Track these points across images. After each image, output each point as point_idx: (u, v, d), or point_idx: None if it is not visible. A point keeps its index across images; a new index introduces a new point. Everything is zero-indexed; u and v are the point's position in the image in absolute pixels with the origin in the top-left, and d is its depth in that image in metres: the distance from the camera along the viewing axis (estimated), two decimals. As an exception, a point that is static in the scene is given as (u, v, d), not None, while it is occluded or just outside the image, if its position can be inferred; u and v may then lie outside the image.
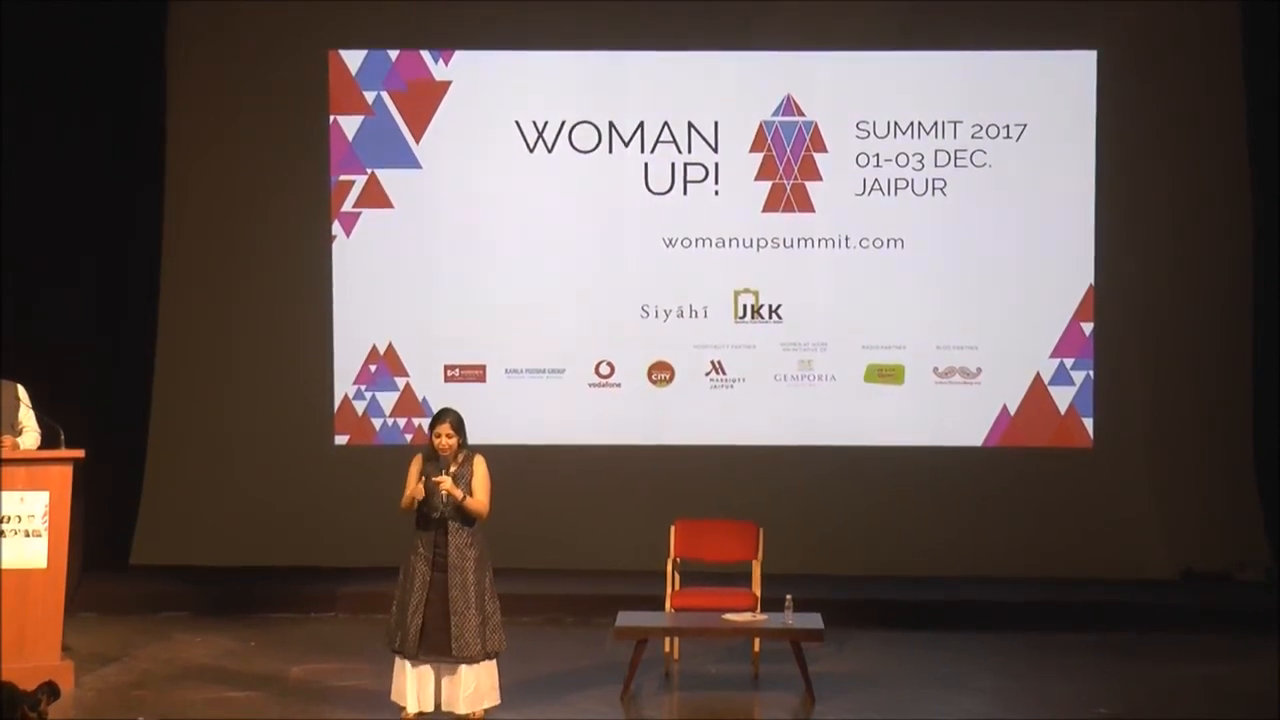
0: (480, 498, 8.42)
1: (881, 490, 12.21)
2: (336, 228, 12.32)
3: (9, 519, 8.97)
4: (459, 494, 8.35)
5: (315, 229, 12.33)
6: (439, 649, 8.36)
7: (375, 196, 12.31)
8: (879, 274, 12.27)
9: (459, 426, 8.46)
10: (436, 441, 8.45)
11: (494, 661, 8.53)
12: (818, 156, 12.26)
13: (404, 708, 8.44)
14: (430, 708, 8.44)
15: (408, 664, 8.43)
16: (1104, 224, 12.16)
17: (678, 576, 9.92)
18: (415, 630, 8.36)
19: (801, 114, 12.26)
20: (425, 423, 11.96)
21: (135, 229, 12.22)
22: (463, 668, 8.39)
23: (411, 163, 12.32)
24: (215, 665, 9.89)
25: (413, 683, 8.43)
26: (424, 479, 8.40)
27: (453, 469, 8.41)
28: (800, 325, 12.31)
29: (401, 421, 12.30)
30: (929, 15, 12.16)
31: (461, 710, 8.41)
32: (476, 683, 8.43)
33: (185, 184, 12.39)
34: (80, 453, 9.17)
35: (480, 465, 8.49)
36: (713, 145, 12.30)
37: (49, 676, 8.32)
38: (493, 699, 8.54)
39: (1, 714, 6.09)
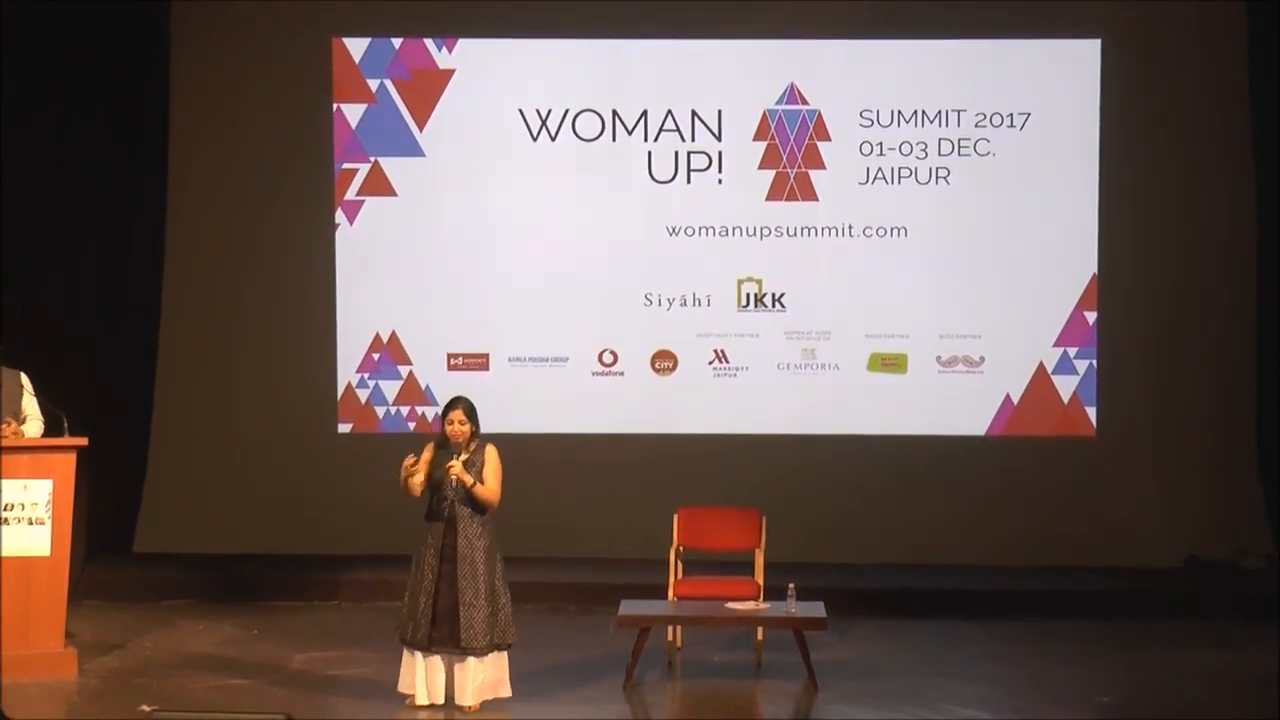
0: (491, 485, 8.42)
1: (884, 479, 12.21)
2: (340, 216, 12.32)
3: (12, 507, 8.98)
4: (468, 479, 8.35)
5: (318, 217, 12.32)
6: (448, 640, 8.36)
7: (378, 184, 12.31)
8: (882, 263, 12.26)
9: (471, 414, 8.47)
10: (448, 428, 8.45)
11: (504, 654, 8.53)
12: (821, 145, 12.25)
13: (411, 697, 8.46)
14: (440, 700, 8.45)
15: (419, 655, 8.43)
16: (1107, 213, 12.14)
17: (680, 565, 9.93)
18: (425, 621, 8.36)
19: (805, 102, 12.25)
20: (428, 411, 12.04)
21: (139, 217, 12.23)
22: (471, 659, 8.39)
23: (415, 151, 12.31)
24: (218, 653, 9.90)
25: (423, 674, 8.43)
26: (430, 466, 8.42)
27: (463, 456, 8.41)
28: (804, 314, 12.31)
29: (404, 410, 12.31)
30: (933, 3, 12.15)
31: (469, 701, 8.41)
32: (485, 674, 8.43)
33: (188, 172, 12.39)
34: (83, 440, 9.18)
35: (492, 454, 8.49)
36: (716, 134, 12.29)
37: (52, 664, 8.30)
38: (503, 691, 8.54)
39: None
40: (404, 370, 12.34)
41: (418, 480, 8.45)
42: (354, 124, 12.29)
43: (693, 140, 12.31)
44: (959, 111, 12.23)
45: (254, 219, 12.39)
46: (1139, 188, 12.16)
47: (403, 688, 8.52)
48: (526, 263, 12.34)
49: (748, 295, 12.32)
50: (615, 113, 12.33)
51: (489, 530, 8.46)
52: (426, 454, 8.53)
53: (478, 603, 8.35)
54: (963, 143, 12.22)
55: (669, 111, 12.30)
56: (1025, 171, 12.21)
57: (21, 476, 9.02)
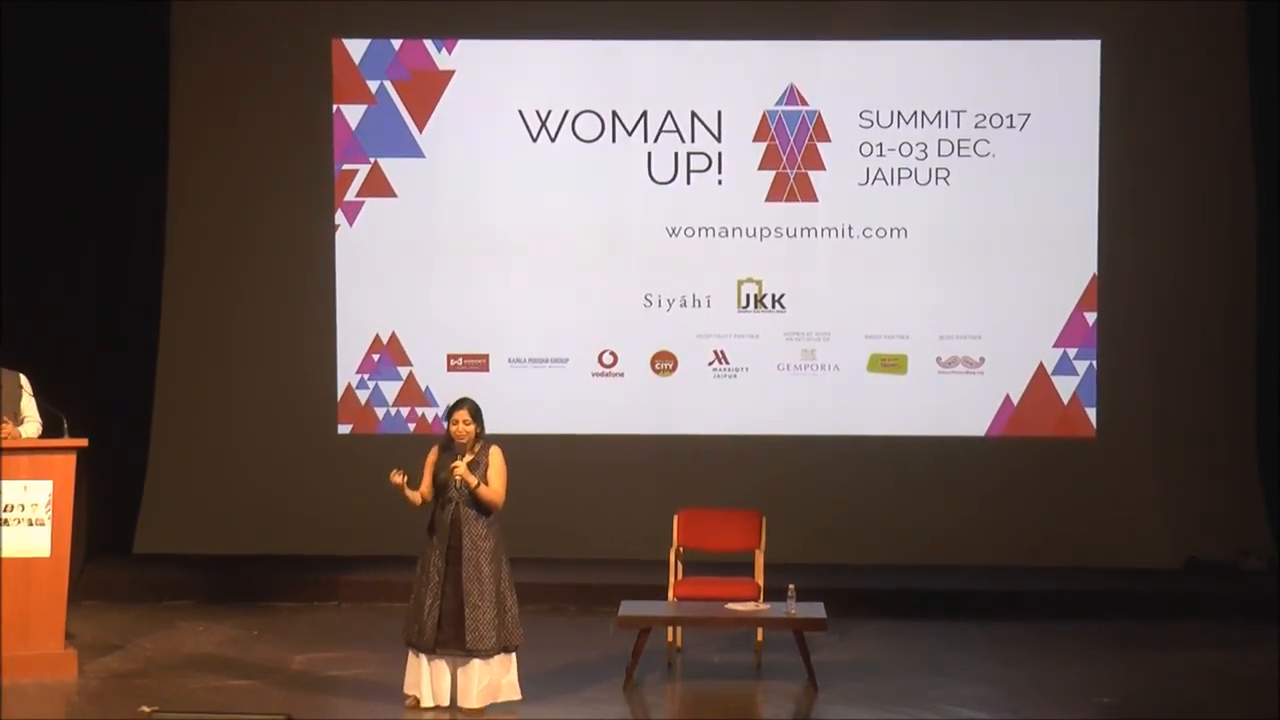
0: (496, 487, 8.42)
1: (884, 480, 12.21)
2: (340, 217, 12.32)
3: (12, 508, 8.98)
4: (473, 480, 8.35)
5: (318, 218, 12.33)
6: (454, 642, 8.35)
7: (378, 185, 12.31)
8: (882, 263, 12.26)
9: (476, 415, 8.47)
10: (453, 429, 8.46)
11: (512, 656, 8.52)
12: (821, 146, 12.25)
13: (415, 698, 8.45)
14: (445, 702, 8.44)
15: (423, 658, 8.43)
16: (1107, 213, 12.14)
17: (680, 566, 9.93)
18: (431, 623, 8.35)
19: (805, 103, 12.25)
20: (428, 412, 12.05)
21: (138, 218, 12.23)
22: (476, 661, 8.38)
23: (415, 152, 12.31)
24: (218, 654, 9.89)
25: (427, 676, 8.43)
26: (435, 468, 8.43)
27: (468, 458, 8.41)
28: (803, 315, 12.31)
29: (405, 410, 12.31)
30: (932, 4, 12.15)
31: (474, 704, 8.40)
32: (490, 676, 8.42)
33: (189, 173, 12.40)
34: (83, 441, 9.17)
35: (496, 455, 8.49)
36: (716, 134, 12.29)
37: (52, 665, 8.30)
38: (512, 694, 8.53)
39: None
40: (404, 371, 12.34)
41: (421, 488, 8.45)
42: (354, 125, 12.29)
43: (692, 141, 12.31)
44: (959, 112, 12.23)
45: (254, 219, 12.39)
46: (1139, 188, 12.16)
47: (408, 689, 8.52)
48: (526, 263, 12.34)
49: (748, 296, 12.32)
50: (615, 114, 12.33)
51: (494, 532, 8.46)
52: (431, 456, 8.53)
53: (483, 604, 8.35)
54: (963, 143, 12.22)
55: (669, 112, 12.30)
56: (1025, 172, 12.21)
57: (21, 477, 9.01)
